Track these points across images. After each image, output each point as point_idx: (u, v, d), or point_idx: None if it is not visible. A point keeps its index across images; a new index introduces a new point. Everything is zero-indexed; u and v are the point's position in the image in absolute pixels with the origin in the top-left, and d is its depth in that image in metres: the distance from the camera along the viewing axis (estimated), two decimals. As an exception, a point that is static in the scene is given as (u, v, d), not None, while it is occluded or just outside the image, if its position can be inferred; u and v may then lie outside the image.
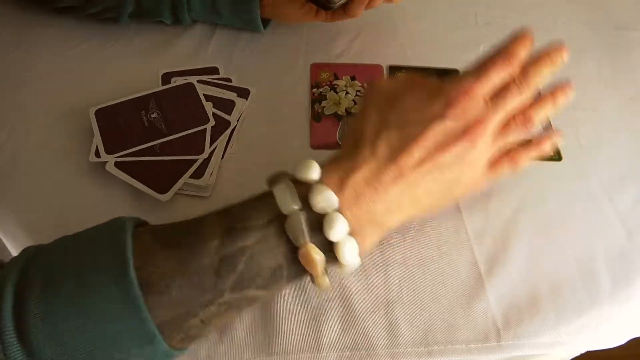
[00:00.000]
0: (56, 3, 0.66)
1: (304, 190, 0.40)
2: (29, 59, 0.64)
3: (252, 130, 0.59)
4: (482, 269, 0.48)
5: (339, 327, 0.45)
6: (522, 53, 0.44)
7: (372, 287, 0.47)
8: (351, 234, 0.40)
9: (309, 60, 0.66)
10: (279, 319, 0.45)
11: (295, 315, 0.46)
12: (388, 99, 0.45)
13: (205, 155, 0.54)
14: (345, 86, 0.63)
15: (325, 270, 0.40)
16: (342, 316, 0.46)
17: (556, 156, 0.58)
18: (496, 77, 0.43)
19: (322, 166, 0.41)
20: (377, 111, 0.44)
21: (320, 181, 0.41)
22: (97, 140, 0.54)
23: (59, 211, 0.52)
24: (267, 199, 0.40)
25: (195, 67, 0.64)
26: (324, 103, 0.62)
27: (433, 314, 0.46)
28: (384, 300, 0.47)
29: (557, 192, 0.54)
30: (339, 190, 0.40)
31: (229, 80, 0.63)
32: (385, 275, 0.48)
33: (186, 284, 0.38)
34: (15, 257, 0.39)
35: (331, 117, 0.60)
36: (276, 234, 0.39)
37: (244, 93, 0.62)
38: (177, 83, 0.61)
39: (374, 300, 0.47)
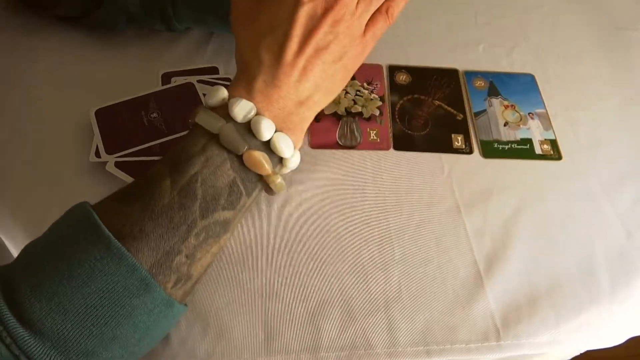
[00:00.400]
0: (54, 11, 0.66)
1: (222, 110, 0.43)
2: (29, 59, 0.64)
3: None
4: (482, 269, 0.48)
5: (337, 326, 0.45)
6: None
7: (371, 287, 0.47)
8: (280, 130, 0.43)
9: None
10: (278, 319, 0.45)
11: (293, 315, 0.46)
12: (249, 14, 0.47)
13: None
14: (345, 86, 0.63)
15: (274, 172, 0.42)
16: (341, 316, 0.46)
17: (556, 155, 0.58)
18: None
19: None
20: (245, 29, 0.47)
21: (231, 96, 0.43)
22: (97, 140, 0.54)
23: (58, 211, 0.51)
24: (195, 130, 0.43)
25: (195, 67, 0.64)
26: (323, 103, 0.62)
27: (432, 313, 0.46)
28: (383, 300, 0.47)
29: (556, 191, 0.54)
30: (250, 97, 0.43)
31: (228, 80, 0.63)
32: (384, 275, 0.48)
33: (158, 224, 0.39)
34: None
35: (330, 116, 0.60)
36: (217, 152, 0.42)
37: None
38: (177, 83, 0.61)
39: (373, 300, 0.47)
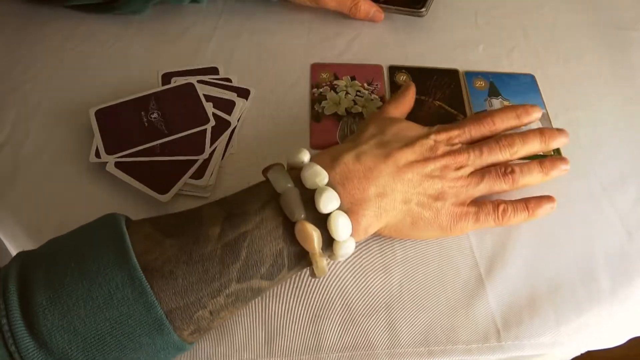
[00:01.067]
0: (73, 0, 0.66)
1: (297, 172, 0.43)
2: (28, 59, 0.64)
3: (252, 130, 0.59)
4: (482, 269, 0.48)
5: (338, 327, 0.45)
6: (504, 119, 0.53)
7: (372, 288, 0.47)
8: (345, 211, 0.42)
9: (309, 60, 0.66)
10: (279, 320, 0.45)
11: (294, 316, 0.46)
12: (387, 119, 0.52)
13: (205, 155, 0.54)
14: (346, 86, 0.63)
15: (322, 251, 0.41)
16: (342, 317, 0.46)
17: (556, 154, 0.58)
18: (474, 130, 0.52)
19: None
20: (374, 124, 0.51)
21: (311, 161, 0.44)
22: (97, 140, 0.54)
23: (58, 211, 0.51)
24: (262, 184, 0.43)
25: (195, 67, 0.64)
26: (323, 103, 0.62)
27: (433, 314, 0.46)
28: (384, 301, 0.47)
29: (556, 191, 0.53)
30: (329, 167, 0.44)
31: (229, 80, 0.63)
32: (386, 276, 0.48)
33: (191, 271, 0.38)
34: (10, 261, 0.39)
35: (331, 117, 0.60)
36: (273, 214, 0.41)
37: (244, 93, 0.61)
38: (177, 83, 0.61)
39: (374, 301, 0.47)
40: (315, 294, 0.47)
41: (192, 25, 0.69)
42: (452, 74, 0.66)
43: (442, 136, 0.49)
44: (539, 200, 0.50)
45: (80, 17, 0.69)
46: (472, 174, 0.49)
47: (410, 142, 0.48)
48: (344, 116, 0.60)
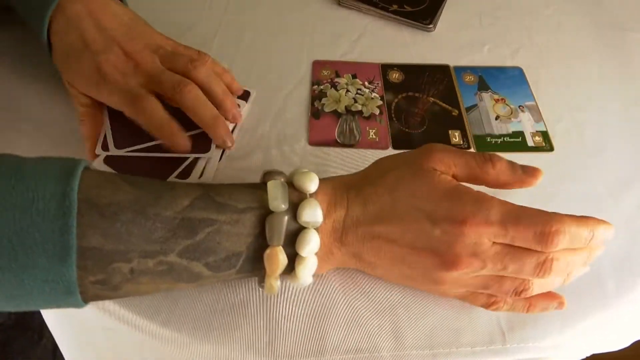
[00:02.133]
0: None
1: (296, 197, 0.40)
2: (31, 57, 0.63)
3: (253, 130, 0.58)
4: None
5: (342, 329, 0.44)
6: (575, 240, 0.39)
7: (376, 290, 0.47)
8: (318, 256, 0.40)
9: (311, 59, 0.66)
10: (282, 321, 0.44)
11: (298, 318, 0.45)
12: (418, 170, 0.42)
13: (210, 154, 0.53)
14: (346, 84, 0.63)
15: (277, 281, 0.40)
16: (346, 319, 0.45)
17: (547, 146, 0.58)
18: (520, 240, 0.39)
19: (320, 180, 0.42)
20: (399, 172, 0.42)
21: (315, 196, 0.41)
22: (108, 133, 0.53)
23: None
24: (257, 188, 0.40)
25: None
26: (323, 100, 0.61)
27: (438, 316, 0.46)
28: (389, 303, 0.46)
29: (561, 194, 0.53)
30: (328, 211, 0.41)
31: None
32: (390, 277, 0.47)
33: (137, 223, 0.36)
34: None
35: (330, 114, 0.60)
36: (252, 223, 0.39)
37: (244, 95, 0.60)
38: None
39: (378, 303, 0.46)
40: (319, 295, 0.46)
41: (193, 25, 0.68)
42: (444, 69, 0.66)
43: (465, 231, 0.38)
44: (545, 308, 0.44)
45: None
46: (475, 277, 0.41)
47: (405, 221, 0.40)
48: (343, 114, 0.60)
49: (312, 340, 0.44)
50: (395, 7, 0.72)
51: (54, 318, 0.49)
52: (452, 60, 0.67)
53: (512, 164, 0.44)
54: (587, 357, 0.52)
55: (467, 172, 0.43)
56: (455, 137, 0.59)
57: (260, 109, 0.60)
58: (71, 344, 0.52)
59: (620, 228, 0.51)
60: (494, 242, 0.39)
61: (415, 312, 0.46)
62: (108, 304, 0.44)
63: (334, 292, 0.46)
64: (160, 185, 0.39)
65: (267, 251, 0.39)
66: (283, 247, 0.39)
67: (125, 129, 0.53)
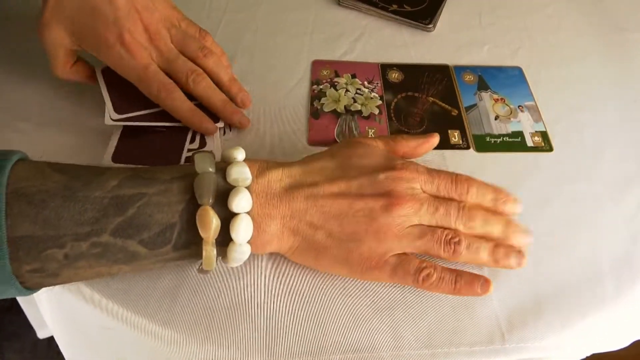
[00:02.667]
0: None
1: (225, 165, 0.42)
2: (31, 57, 0.62)
3: (252, 130, 0.58)
4: (486, 271, 0.48)
5: (342, 329, 0.44)
6: (481, 191, 0.47)
7: (375, 289, 0.47)
8: (251, 217, 0.41)
9: (311, 59, 0.66)
10: (282, 321, 0.44)
11: (297, 318, 0.45)
12: (353, 142, 0.49)
13: (220, 124, 0.56)
14: (346, 84, 0.63)
15: (213, 244, 0.40)
16: (345, 318, 0.45)
17: (547, 147, 0.58)
18: (442, 186, 0.46)
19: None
20: (337, 147, 0.49)
21: (242, 161, 0.43)
22: (106, 99, 0.54)
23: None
24: (184, 164, 0.43)
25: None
26: (323, 100, 0.61)
27: (437, 316, 0.45)
28: (388, 302, 0.46)
29: (560, 194, 0.53)
30: (256, 174, 0.43)
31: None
32: (389, 277, 0.47)
33: (66, 206, 0.36)
34: None
35: (330, 114, 0.60)
36: (180, 189, 0.40)
37: None
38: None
39: (378, 303, 0.46)
40: (318, 295, 0.46)
41: (198, 22, 0.68)
42: (443, 69, 0.66)
43: (403, 174, 0.45)
44: (471, 282, 0.45)
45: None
46: (413, 226, 0.44)
47: (351, 176, 0.44)
48: (342, 113, 0.60)
49: (311, 340, 0.44)
50: (395, 7, 0.72)
51: (53, 316, 0.49)
52: (451, 60, 0.67)
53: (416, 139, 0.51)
54: (586, 357, 0.52)
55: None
56: (455, 136, 0.59)
57: (259, 108, 0.60)
58: (70, 342, 0.51)
59: (620, 228, 0.52)
60: (423, 191, 0.45)
61: (415, 312, 0.45)
62: (106, 303, 0.44)
63: (334, 292, 0.46)
64: (89, 171, 0.39)
65: (199, 211, 0.39)
66: (214, 208, 0.39)
67: (123, 94, 0.55)
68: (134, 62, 0.52)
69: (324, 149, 0.55)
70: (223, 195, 0.40)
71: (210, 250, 0.39)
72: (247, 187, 0.41)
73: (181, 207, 0.39)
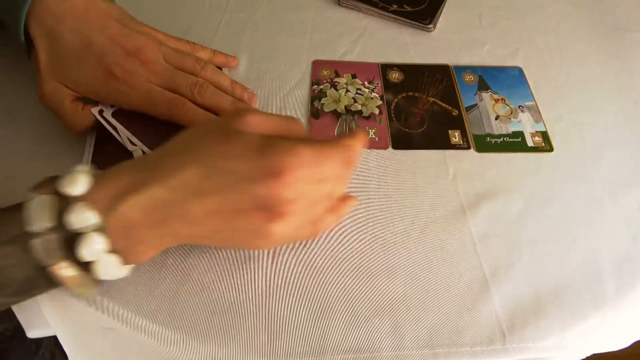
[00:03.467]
0: None
1: (64, 204, 0.38)
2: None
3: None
4: (487, 272, 0.48)
5: (342, 329, 0.44)
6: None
7: (376, 290, 0.47)
8: (115, 251, 0.39)
9: (311, 59, 0.66)
10: (282, 321, 0.44)
11: (298, 317, 0.45)
12: (221, 133, 0.41)
13: None
14: (346, 84, 0.63)
15: (87, 280, 0.39)
16: (346, 318, 0.45)
17: (547, 147, 0.58)
18: (331, 172, 0.42)
19: (98, 176, 0.39)
20: (198, 139, 0.41)
21: (84, 198, 0.38)
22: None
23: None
24: (18, 212, 0.38)
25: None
26: (323, 100, 0.61)
27: (438, 316, 0.46)
28: (389, 303, 0.46)
29: (561, 194, 0.54)
30: (106, 210, 0.38)
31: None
32: (390, 278, 0.47)
33: None
34: None
35: (330, 114, 0.60)
36: (23, 250, 0.37)
37: None
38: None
39: (378, 303, 0.46)
40: (319, 295, 0.46)
41: (195, 26, 0.68)
42: (444, 69, 0.66)
43: (285, 179, 0.39)
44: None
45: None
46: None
47: (223, 187, 0.39)
48: (343, 113, 0.60)
49: (312, 340, 0.44)
50: (395, 7, 0.72)
51: (55, 318, 0.48)
52: (451, 60, 0.67)
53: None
54: (587, 357, 0.52)
55: (275, 131, 0.43)
56: (455, 136, 0.59)
57: (259, 108, 0.60)
58: (72, 343, 0.51)
59: (620, 228, 0.52)
60: (310, 181, 0.40)
61: (416, 312, 0.46)
62: (108, 304, 0.44)
63: (334, 292, 0.46)
64: None
65: (51, 271, 0.38)
66: (70, 258, 0.38)
67: (145, 126, 0.53)
68: (134, 91, 0.50)
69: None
70: (72, 242, 0.38)
71: (82, 292, 0.40)
72: (99, 228, 0.38)
73: (33, 264, 0.37)
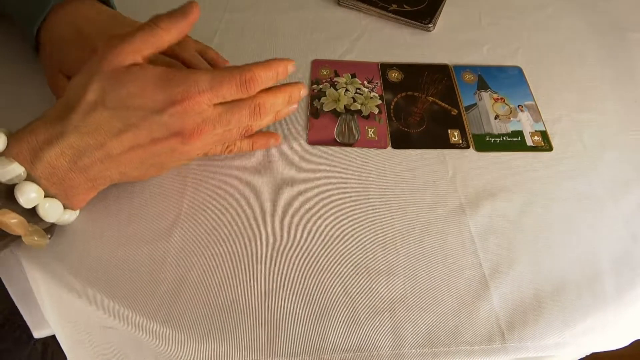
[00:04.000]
0: None
1: None
2: (31, 57, 0.62)
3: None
4: (486, 271, 0.48)
5: (342, 328, 0.44)
6: (266, 81, 0.46)
7: (376, 289, 0.47)
8: (53, 196, 0.43)
9: (311, 59, 0.66)
10: (282, 320, 0.44)
11: (297, 316, 0.45)
12: (115, 73, 0.42)
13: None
14: (346, 83, 0.63)
15: (38, 231, 0.43)
16: (346, 318, 0.45)
17: (547, 146, 0.58)
18: (229, 95, 0.44)
19: (17, 133, 0.42)
20: (99, 83, 0.42)
21: (6, 153, 0.41)
22: None
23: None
24: None
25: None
26: (322, 99, 0.61)
27: (437, 315, 0.45)
28: (388, 302, 0.46)
29: (561, 194, 0.54)
30: (30, 163, 0.41)
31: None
32: (389, 277, 0.47)
33: None
34: None
35: (329, 113, 0.60)
36: None
37: None
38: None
39: (378, 302, 0.46)
40: (319, 294, 0.46)
41: (197, 22, 0.68)
42: (443, 69, 0.66)
43: (186, 106, 0.42)
44: (264, 137, 0.54)
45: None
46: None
47: (134, 122, 0.42)
48: (342, 113, 0.60)
49: (311, 339, 0.44)
50: (394, 6, 0.72)
51: (54, 316, 0.49)
52: (451, 60, 0.67)
53: (170, 16, 0.45)
54: (586, 356, 0.52)
55: (153, 50, 0.45)
56: (455, 136, 0.59)
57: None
58: (71, 342, 0.51)
59: (620, 228, 0.52)
60: (214, 105, 0.44)
61: (415, 311, 0.46)
62: (108, 303, 0.44)
63: (334, 291, 0.46)
64: None
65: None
66: (13, 208, 0.41)
67: None
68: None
69: (323, 148, 0.56)
70: (11, 192, 0.41)
71: (31, 240, 0.43)
72: (28, 177, 0.41)
73: None
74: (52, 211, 0.43)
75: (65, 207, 0.44)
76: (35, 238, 0.43)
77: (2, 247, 0.44)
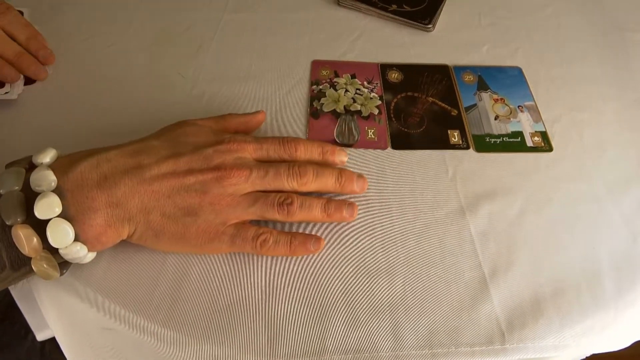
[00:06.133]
0: None
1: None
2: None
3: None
4: (486, 272, 0.48)
5: (342, 329, 0.44)
6: (310, 148, 0.50)
7: (376, 290, 0.46)
8: (68, 218, 0.40)
9: (310, 59, 0.66)
10: (282, 321, 0.44)
11: (298, 318, 0.45)
12: (179, 123, 0.49)
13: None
14: (345, 84, 0.63)
15: (46, 255, 0.40)
16: (346, 318, 0.45)
17: (547, 147, 0.58)
18: (272, 150, 0.48)
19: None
20: (162, 129, 0.48)
21: (48, 164, 0.42)
22: None
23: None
24: None
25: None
26: (322, 100, 0.61)
27: (437, 316, 0.45)
28: (388, 303, 0.46)
29: (561, 194, 0.53)
30: (63, 172, 0.41)
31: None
32: (389, 278, 0.47)
33: None
34: None
35: (329, 114, 0.60)
36: None
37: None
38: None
39: (378, 303, 0.46)
40: (318, 295, 0.46)
41: (195, 25, 0.68)
42: (443, 69, 0.66)
43: (231, 146, 0.46)
44: (304, 240, 0.47)
45: (79, 16, 0.68)
46: (247, 194, 0.46)
47: (180, 151, 0.45)
48: (342, 113, 0.60)
49: (311, 340, 0.44)
50: (394, 7, 0.72)
51: (54, 317, 0.49)
52: (451, 60, 0.67)
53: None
54: (587, 357, 0.52)
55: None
56: (455, 136, 0.59)
57: (259, 108, 0.60)
58: (71, 343, 0.51)
59: (620, 228, 0.52)
60: (254, 158, 0.47)
61: (415, 312, 0.45)
62: (108, 304, 0.44)
63: (334, 292, 0.46)
64: None
65: (12, 233, 0.39)
66: (28, 222, 0.39)
67: None
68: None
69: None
70: (30, 204, 0.39)
71: (40, 266, 0.40)
72: (57, 189, 0.40)
73: None
74: (63, 235, 0.39)
75: (75, 239, 0.41)
76: (44, 265, 0.40)
77: (18, 279, 0.42)
